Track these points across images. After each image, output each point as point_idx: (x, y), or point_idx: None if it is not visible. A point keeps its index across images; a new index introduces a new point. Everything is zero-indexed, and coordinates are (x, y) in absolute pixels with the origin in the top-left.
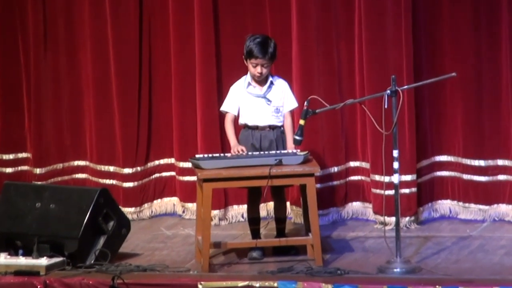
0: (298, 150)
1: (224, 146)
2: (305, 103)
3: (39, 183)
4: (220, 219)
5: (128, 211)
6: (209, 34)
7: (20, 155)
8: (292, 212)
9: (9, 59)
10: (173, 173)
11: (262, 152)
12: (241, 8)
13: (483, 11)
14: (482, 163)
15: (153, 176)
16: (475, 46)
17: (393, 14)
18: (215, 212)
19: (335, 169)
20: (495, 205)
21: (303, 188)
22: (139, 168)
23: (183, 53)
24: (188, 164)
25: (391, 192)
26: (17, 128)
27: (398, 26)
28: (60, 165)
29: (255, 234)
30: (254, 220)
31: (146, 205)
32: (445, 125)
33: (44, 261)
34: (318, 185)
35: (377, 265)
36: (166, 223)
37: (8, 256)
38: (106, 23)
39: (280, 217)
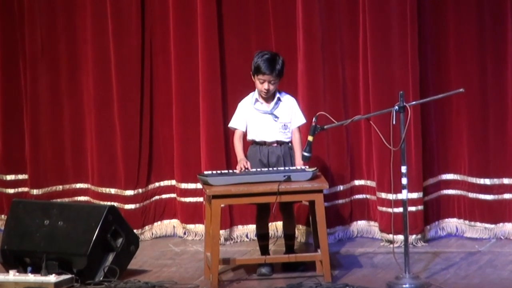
0: (307, 167)
1: (230, 164)
2: (314, 119)
3: (47, 200)
4: (225, 239)
5: None
6: (214, 51)
7: (21, 176)
8: (298, 231)
9: (10, 81)
10: (172, 195)
11: (271, 169)
12: (245, 25)
13: (489, 29)
14: (487, 181)
15: (154, 198)
16: (481, 64)
17: (399, 31)
18: (220, 232)
19: (341, 187)
20: (501, 224)
21: (311, 204)
22: (140, 190)
23: (186, 72)
24: (189, 185)
25: (396, 209)
26: (17, 150)
27: (404, 43)
28: (59, 187)
29: (264, 250)
30: (263, 236)
31: (147, 227)
32: (451, 143)
33: (52, 278)
34: (325, 204)
35: (386, 281)
36: (171, 242)
37: (17, 273)
38: (108, 44)
39: (289, 234)
